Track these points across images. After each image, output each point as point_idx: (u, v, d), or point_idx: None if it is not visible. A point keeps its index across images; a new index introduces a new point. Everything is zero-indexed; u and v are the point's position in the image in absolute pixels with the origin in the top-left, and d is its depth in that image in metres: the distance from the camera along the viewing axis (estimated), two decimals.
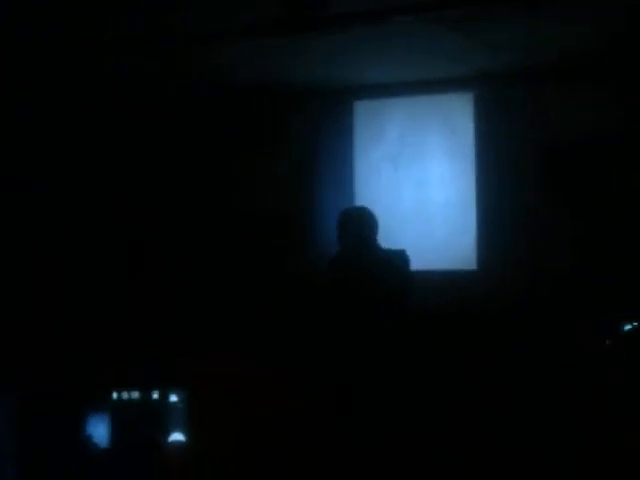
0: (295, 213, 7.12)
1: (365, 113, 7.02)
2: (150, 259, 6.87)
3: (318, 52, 5.87)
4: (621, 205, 6.21)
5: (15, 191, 6.30)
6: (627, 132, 6.22)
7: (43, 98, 6.57)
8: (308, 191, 7.12)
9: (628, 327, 5.43)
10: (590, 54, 5.97)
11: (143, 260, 6.82)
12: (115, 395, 3.12)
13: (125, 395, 3.12)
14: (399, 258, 4.76)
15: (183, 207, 7.21)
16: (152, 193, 7.12)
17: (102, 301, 5.96)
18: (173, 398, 3.10)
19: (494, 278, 6.48)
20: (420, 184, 6.89)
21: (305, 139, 7.16)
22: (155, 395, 3.11)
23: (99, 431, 3.10)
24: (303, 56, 6.00)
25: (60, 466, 3.01)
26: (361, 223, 4.76)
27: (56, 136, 6.70)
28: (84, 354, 3.87)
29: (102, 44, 5.61)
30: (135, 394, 3.12)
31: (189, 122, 7.27)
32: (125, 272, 6.61)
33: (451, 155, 6.78)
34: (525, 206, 6.50)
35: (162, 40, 5.53)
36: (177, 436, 3.06)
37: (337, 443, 3.63)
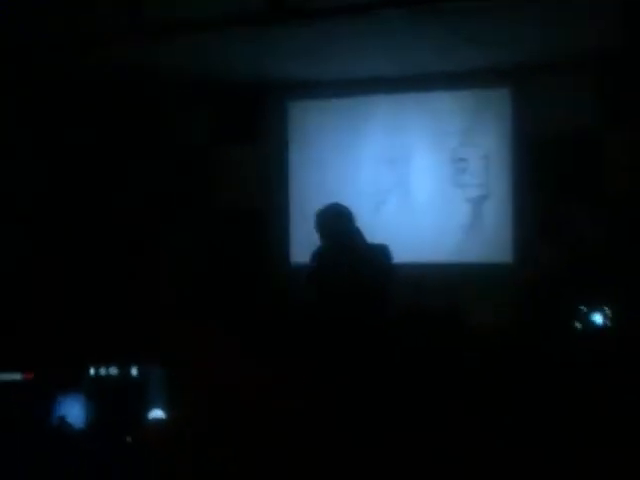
0: (274, 211, 7.07)
1: (347, 110, 6.96)
2: (136, 247, 6.83)
3: (299, 47, 5.82)
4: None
5: (15, 190, 6.29)
6: (609, 127, 6.25)
7: (41, 98, 6.55)
8: (286, 190, 7.08)
9: (597, 317, 5.42)
10: (576, 50, 5.97)
11: (130, 246, 6.79)
12: (92, 371, 3.04)
13: (103, 371, 3.04)
14: (381, 253, 4.73)
15: (168, 203, 7.16)
16: (136, 187, 7.08)
17: (79, 280, 5.94)
18: (152, 374, 3.04)
19: (479, 272, 6.48)
20: (404, 182, 6.86)
21: (284, 136, 7.10)
22: (134, 371, 3.04)
23: (74, 411, 3.02)
24: (285, 52, 5.95)
25: (32, 449, 2.94)
26: (337, 220, 4.72)
27: (54, 136, 6.69)
28: (59, 331, 3.84)
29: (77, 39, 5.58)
30: (113, 370, 3.04)
31: (169, 118, 7.22)
32: (108, 253, 6.59)
33: (436, 153, 6.75)
34: (514, 200, 6.51)
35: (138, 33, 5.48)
36: (157, 413, 2.99)
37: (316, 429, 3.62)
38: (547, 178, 6.40)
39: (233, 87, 6.89)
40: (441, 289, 6.25)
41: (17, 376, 3.05)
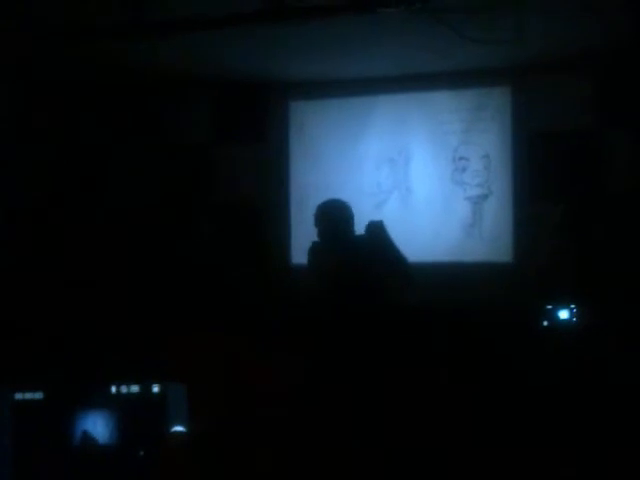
0: (275, 211, 7.06)
1: (348, 110, 6.94)
2: (138, 250, 6.82)
3: (300, 47, 5.82)
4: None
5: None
6: (610, 126, 6.26)
7: (36, 96, 6.55)
8: (287, 189, 7.07)
9: (564, 312, 5.43)
10: (577, 49, 5.97)
11: (131, 251, 6.78)
12: (114, 389, 3.04)
13: (124, 389, 3.05)
14: (369, 237, 4.81)
15: (168, 199, 7.15)
16: (137, 186, 7.07)
17: (93, 294, 5.95)
18: (173, 391, 3.04)
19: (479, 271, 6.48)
20: (405, 181, 6.85)
21: (286, 136, 7.09)
22: (155, 388, 3.05)
23: (97, 428, 3.02)
24: (285, 51, 5.95)
25: (56, 466, 2.95)
26: (335, 215, 4.79)
27: (50, 135, 6.69)
28: (79, 348, 3.87)
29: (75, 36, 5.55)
30: (134, 388, 3.05)
31: (170, 118, 7.21)
32: (115, 263, 6.59)
33: (437, 152, 6.74)
34: (514, 199, 6.52)
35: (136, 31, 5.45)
36: (178, 429, 3.00)
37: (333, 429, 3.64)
38: (548, 177, 6.40)
39: (235, 87, 6.88)
40: (441, 288, 6.24)
41: (39, 395, 3.05)
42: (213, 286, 6.60)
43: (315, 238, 4.86)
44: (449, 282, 6.30)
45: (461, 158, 6.65)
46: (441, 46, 5.79)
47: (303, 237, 6.45)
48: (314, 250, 4.88)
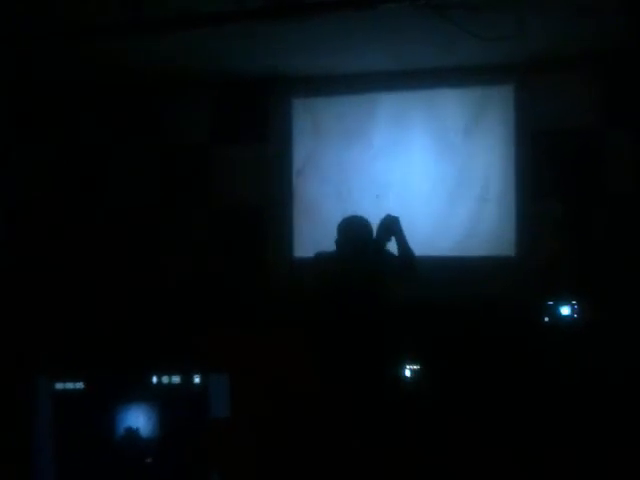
0: (278, 208, 7.03)
1: (350, 106, 6.91)
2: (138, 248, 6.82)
3: (300, 43, 5.82)
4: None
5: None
6: (613, 125, 6.23)
7: (35, 96, 6.54)
8: (290, 186, 7.04)
9: (566, 309, 5.43)
10: (580, 47, 5.97)
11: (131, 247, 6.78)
12: (155, 379, 3.00)
13: (165, 379, 3.01)
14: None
15: (170, 202, 7.11)
16: (136, 186, 7.05)
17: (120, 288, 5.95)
18: (215, 381, 3.00)
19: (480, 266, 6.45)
20: (407, 177, 6.83)
21: (289, 133, 7.07)
22: (197, 379, 3.01)
23: (139, 421, 2.98)
24: (285, 46, 5.94)
25: (98, 459, 2.90)
26: (359, 231, 4.78)
27: (49, 134, 6.67)
28: (120, 338, 3.85)
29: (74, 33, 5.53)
30: (176, 378, 3.01)
31: (171, 116, 7.19)
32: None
33: (439, 149, 6.72)
34: (516, 196, 6.51)
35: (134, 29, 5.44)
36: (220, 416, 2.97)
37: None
38: (550, 175, 6.39)
39: (236, 86, 6.86)
40: (443, 283, 6.23)
41: (80, 385, 3.00)
42: (213, 286, 6.59)
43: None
44: (450, 278, 6.28)
45: (463, 155, 6.63)
46: (444, 42, 5.79)
47: (306, 233, 6.49)
48: (319, 260, 4.84)
